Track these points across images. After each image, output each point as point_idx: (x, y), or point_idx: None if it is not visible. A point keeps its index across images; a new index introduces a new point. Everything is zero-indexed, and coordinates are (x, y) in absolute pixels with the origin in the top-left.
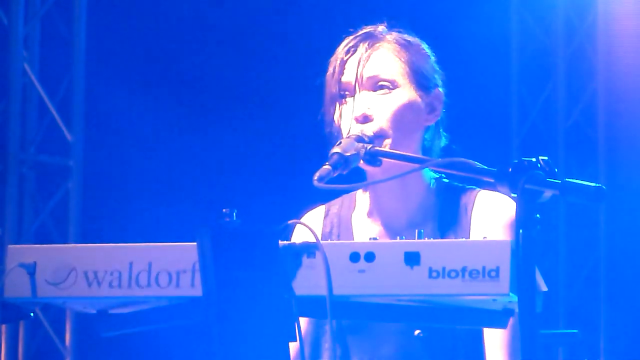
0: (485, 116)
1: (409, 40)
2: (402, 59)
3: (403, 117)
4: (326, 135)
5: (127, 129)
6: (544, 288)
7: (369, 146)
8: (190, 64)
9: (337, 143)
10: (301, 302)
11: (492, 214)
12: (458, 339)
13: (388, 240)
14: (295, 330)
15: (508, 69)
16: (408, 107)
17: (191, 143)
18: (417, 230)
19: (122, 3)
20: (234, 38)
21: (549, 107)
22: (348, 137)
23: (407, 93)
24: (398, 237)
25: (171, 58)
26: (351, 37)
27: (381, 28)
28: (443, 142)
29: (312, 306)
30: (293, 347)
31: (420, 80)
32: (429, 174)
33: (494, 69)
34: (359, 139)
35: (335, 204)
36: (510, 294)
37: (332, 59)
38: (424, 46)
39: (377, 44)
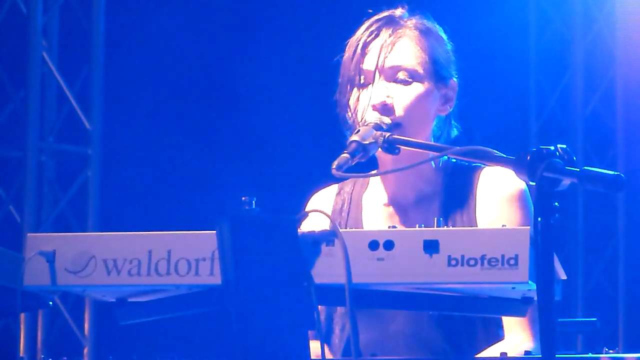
0: (504, 104)
1: (429, 27)
2: (423, 48)
3: (420, 108)
4: (338, 116)
5: (145, 118)
6: (563, 276)
7: (388, 134)
8: (209, 53)
9: (355, 131)
10: (320, 291)
11: (496, 188)
12: (467, 316)
13: (407, 229)
14: (314, 318)
15: (526, 57)
16: (425, 99)
17: (210, 131)
18: (435, 218)
19: None
20: (255, 27)
21: (567, 95)
22: (366, 125)
23: (425, 85)
24: (417, 225)
25: (190, 47)
26: (373, 20)
27: (401, 12)
28: (454, 132)
29: (331, 294)
30: None
31: (439, 72)
32: None
33: (512, 57)
34: (377, 127)
35: (349, 184)
36: (529, 282)
37: (352, 40)
38: (442, 33)
39: (400, 30)
